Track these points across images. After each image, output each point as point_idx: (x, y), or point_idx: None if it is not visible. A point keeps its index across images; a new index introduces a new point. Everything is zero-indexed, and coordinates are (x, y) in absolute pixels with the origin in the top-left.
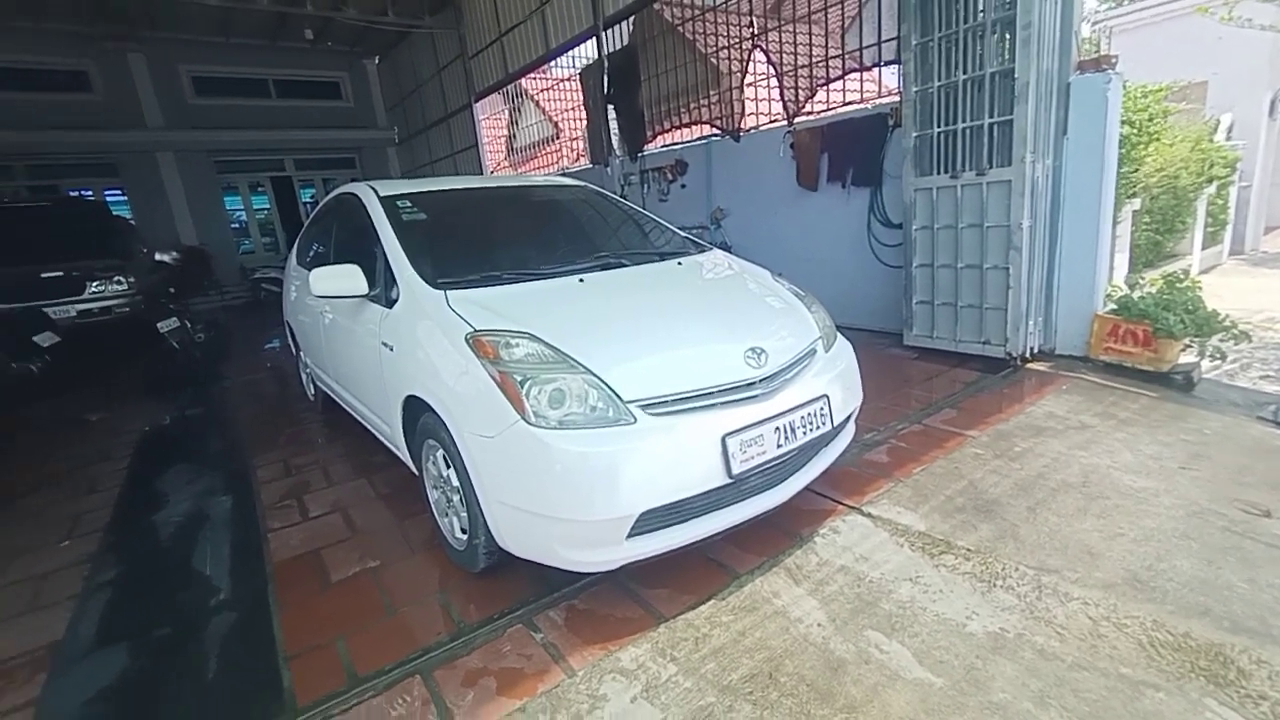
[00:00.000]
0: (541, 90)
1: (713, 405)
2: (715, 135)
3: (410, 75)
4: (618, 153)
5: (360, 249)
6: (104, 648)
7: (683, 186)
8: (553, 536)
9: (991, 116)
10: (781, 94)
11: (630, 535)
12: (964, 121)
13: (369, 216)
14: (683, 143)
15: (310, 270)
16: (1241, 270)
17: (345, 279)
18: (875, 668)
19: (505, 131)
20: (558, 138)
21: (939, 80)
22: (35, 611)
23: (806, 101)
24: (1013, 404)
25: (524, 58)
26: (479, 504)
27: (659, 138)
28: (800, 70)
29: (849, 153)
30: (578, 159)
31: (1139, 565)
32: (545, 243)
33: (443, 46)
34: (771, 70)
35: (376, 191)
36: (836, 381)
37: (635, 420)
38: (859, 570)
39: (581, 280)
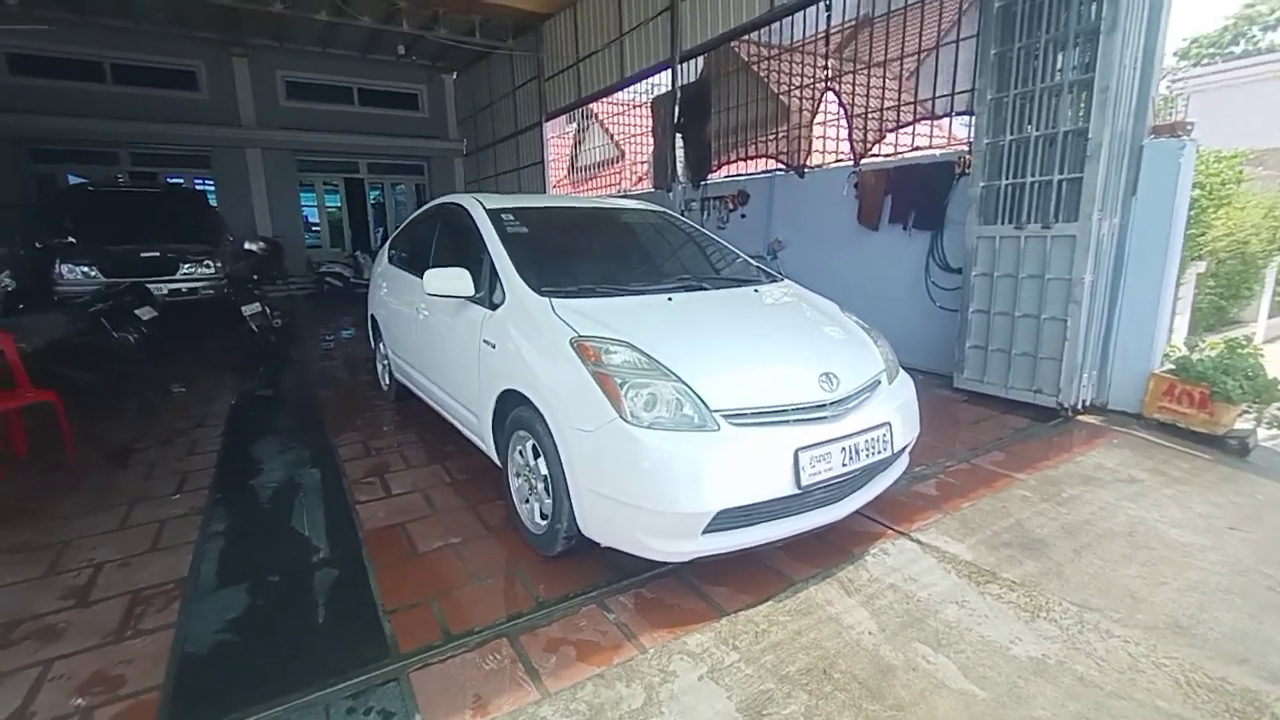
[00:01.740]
0: (611, 115)
1: (787, 421)
2: (779, 169)
3: (485, 92)
4: (681, 179)
5: (463, 254)
6: (225, 587)
7: (743, 216)
8: (636, 525)
9: (1061, 173)
10: (850, 135)
11: (705, 531)
12: (1033, 175)
13: (475, 226)
14: (746, 174)
15: (420, 271)
16: None
17: (456, 280)
18: (922, 675)
19: (569, 151)
20: (620, 160)
21: (1010, 134)
22: (160, 551)
23: (875, 144)
24: (1061, 452)
25: (598, 83)
26: (568, 492)
27: (723, 168)
28: (870, 114)
29: (913, 196)
30: (639, 182)
31: (1181, 613)
32: (633, 261)
33: (520, 67)
34: (842, 111)
35: (483, 204)
36: (898, 412)
37: (719, 428)
38: (907, 589)
39: (670, 299)
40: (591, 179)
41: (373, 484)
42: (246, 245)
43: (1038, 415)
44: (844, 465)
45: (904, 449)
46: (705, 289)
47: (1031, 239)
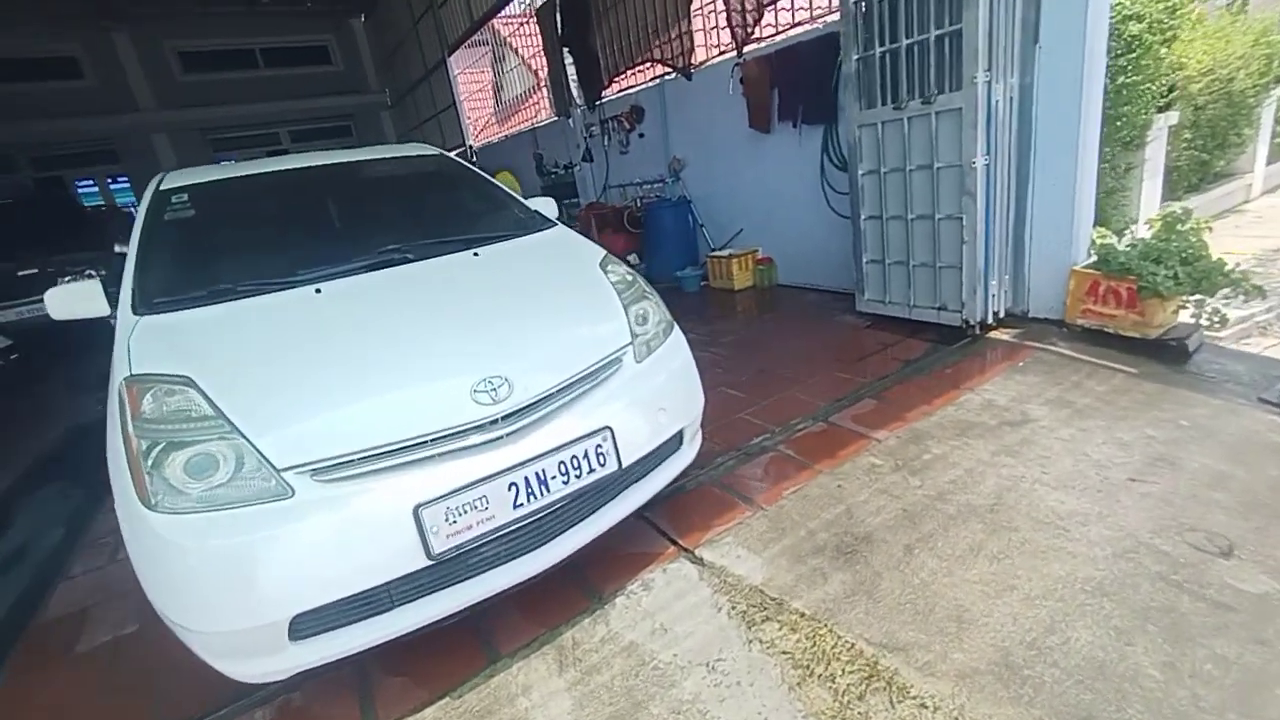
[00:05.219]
0: (520, 35)
1: (415, 462)
2: (668, 74)
3: (393, 32)
4: (578, 101)
5: None
6: None
7: (640, 135)
8: (195, 646)
9: (939, 27)
10: (729, 18)
11: (297, 639)
12: (908, 36)
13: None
14: (638, 86)
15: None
16: None
17: (77, 299)
18: None
19: (492, 85)
20: (539, 88)
21: None
22: None
23: (755, 25)
24: (949, 389)
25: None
26: None
27: (613, 83)
28: None
29: (798, 85)
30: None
31: (1018, 640)
32: (325, 238)
33: None
34: None
35: (160, 182)
36: (635, 406)
37: (292, 493)
38: (648, 650)
39: (319, 291)
40: (514, 113)
41: (108, 544)
42: None
43: (944, 336)
44: (518, 508)
45: (671, 443)
46: (409, 261)
47: (915, 120)
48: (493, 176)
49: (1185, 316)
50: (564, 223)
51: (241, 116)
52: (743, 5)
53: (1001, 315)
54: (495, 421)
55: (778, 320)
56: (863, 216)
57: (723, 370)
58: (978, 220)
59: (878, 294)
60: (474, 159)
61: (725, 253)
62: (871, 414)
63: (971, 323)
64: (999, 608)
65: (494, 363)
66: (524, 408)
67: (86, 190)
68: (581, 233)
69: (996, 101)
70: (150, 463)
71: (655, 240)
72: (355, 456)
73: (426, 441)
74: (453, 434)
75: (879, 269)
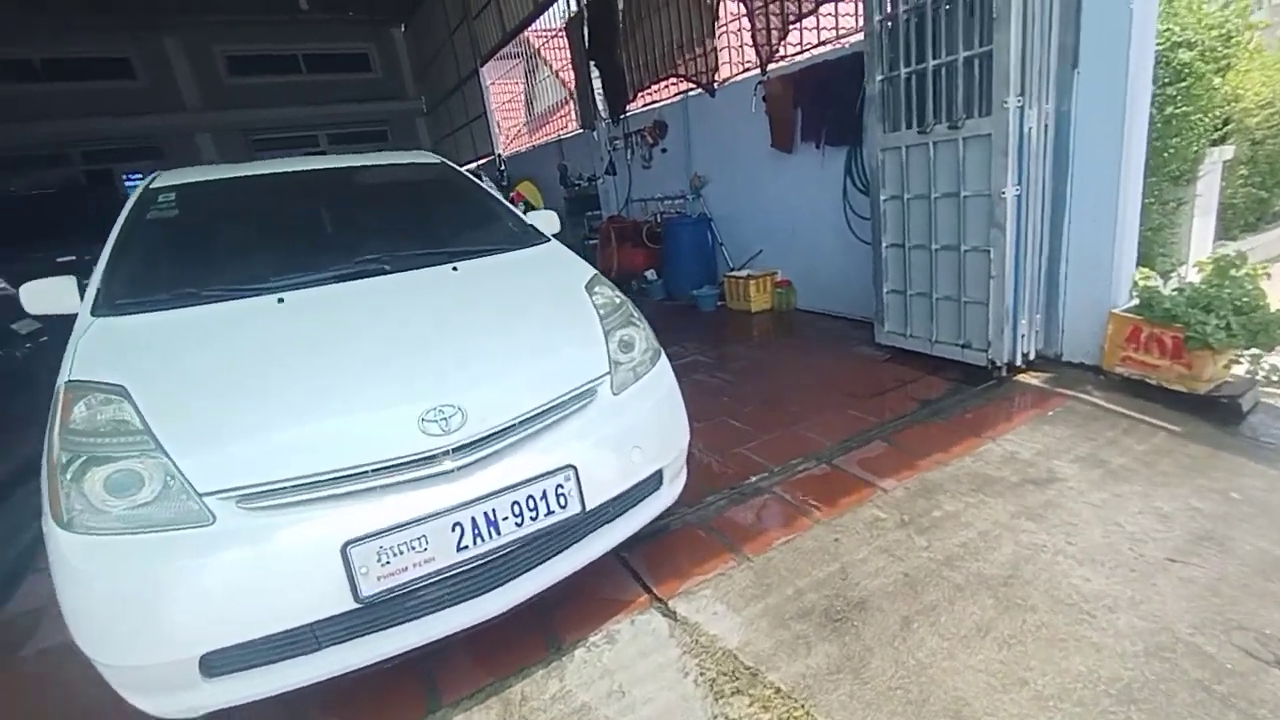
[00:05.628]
0: (553, 48)
1: (349, 494)
2: (692, 90)
3: (431, 42)
4: (603, 115)
5: None
6: None
7: (663, 150)
8: (106, 676)
9: (968, 49)
10: (754, 35)
11: (212, 676)
12: (935, 57)
13: None
14: (662, 102)
15: None
16: None
17: (50, 294)
18: None
19: (525, 95)
20: (570, 99)
21: (906, 3)
22: None
23: (780, 42)
24: (969, 436)
25: (520, 13)
26: None
27: (640, 96)
28: (771, 2)
29: (822, 105)
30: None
31: None
32: (304, 244)
33: (452, 8)
34: (741, 5)
35: (152, 180)
36: (606, 444)
37: (213, 520)
38: (600, 715)
39: (281, 300)
40: (546, 124)
41: None
42: None
43: (968, 377)
44: (461, 550)
45: (644, 486)
46: (385, 273)
47: (941, 145)
48: (515, 186)
49: (1239, 370)
50: (585, 235)
51: (282, 119)
52: (768, 23)
53: (1031, 357)
54: (448, 453)
55: (792, 347)
56: (884, 243)
57: (728, 399)
58: (1006, 254)
59: (898, 326)
60: (503, 168)
61: (743, 273)
62: (880, 459)
63: (998, 364)
64: (1004, 705)
65: (448, 389)
66: (476, 440)
67: (135, 184)
68: (601, 245)
69: (1030, 128)
70: (69, 477)
71: (673, 257)
72: (284, 485)
73: (365, 473)
74: (394, 466)
75: (900, 300)
